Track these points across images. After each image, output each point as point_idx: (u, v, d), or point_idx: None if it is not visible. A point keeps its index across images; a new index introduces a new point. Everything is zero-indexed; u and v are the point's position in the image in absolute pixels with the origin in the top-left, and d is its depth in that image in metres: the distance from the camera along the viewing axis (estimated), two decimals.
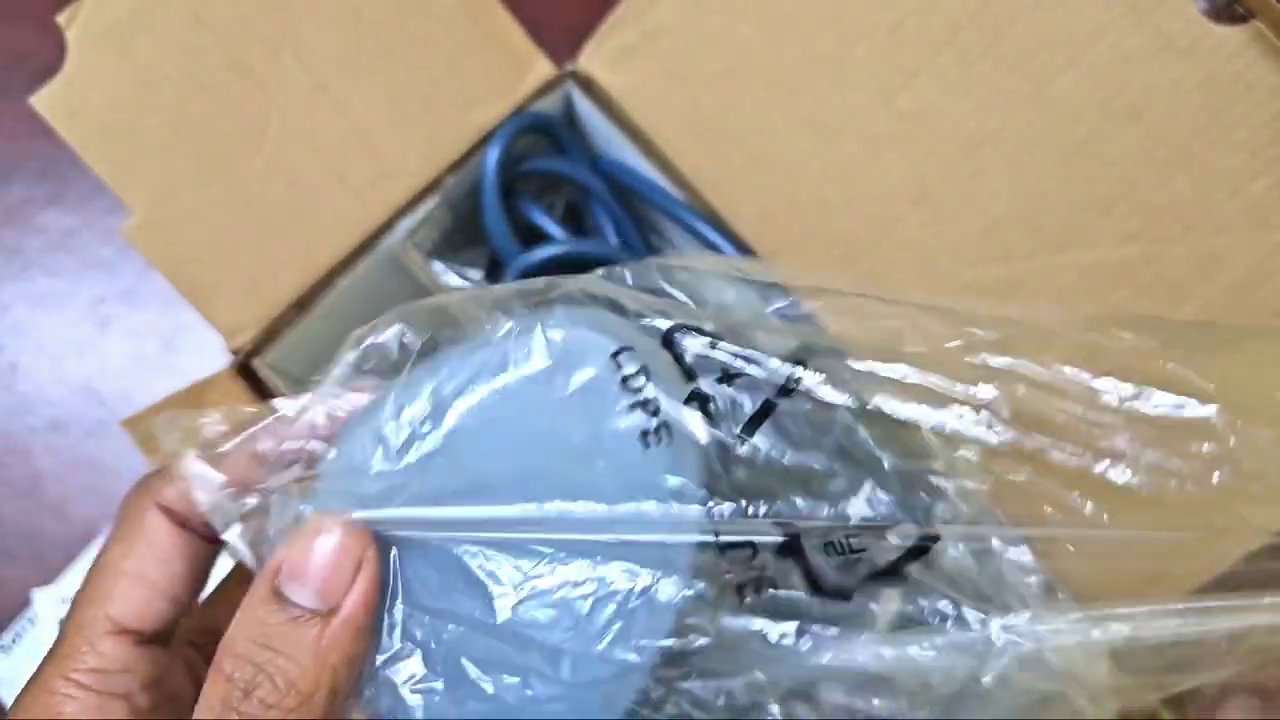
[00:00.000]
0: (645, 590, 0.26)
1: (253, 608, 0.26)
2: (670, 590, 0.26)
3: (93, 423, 0.63)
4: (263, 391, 0.48)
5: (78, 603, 0.29)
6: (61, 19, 0.44)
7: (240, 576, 0.34)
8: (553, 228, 0.51)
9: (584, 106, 0.51)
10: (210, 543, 0.30)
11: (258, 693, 0.25)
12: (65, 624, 0.30)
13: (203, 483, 0.29)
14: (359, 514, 0.27)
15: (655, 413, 0.27)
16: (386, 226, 0.48)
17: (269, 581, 0.26)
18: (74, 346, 0.64)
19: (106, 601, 0.29)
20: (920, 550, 0.29)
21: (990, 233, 0.44)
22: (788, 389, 0.28)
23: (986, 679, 0.27)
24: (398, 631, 0.27)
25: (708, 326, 0.29)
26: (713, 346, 0.29)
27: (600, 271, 0.32)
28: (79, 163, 0.44)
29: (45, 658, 0.29)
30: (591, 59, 0.49)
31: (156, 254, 0.46)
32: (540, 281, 0.31)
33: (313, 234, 0.47)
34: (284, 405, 0.30)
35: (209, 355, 0.63)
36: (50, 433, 0.63)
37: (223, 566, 0.32)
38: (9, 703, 0.59)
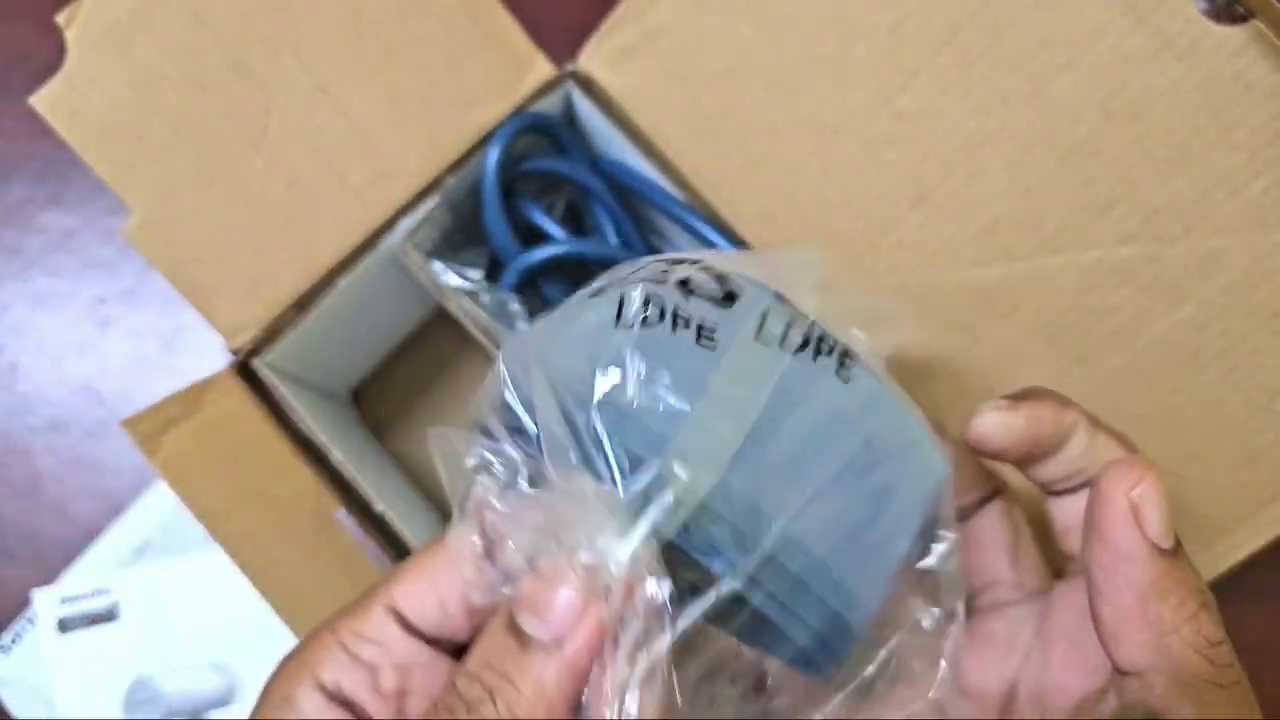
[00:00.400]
0: None
1: (492, 634, 0.27)
2: None
3: (93, 423, 0.63)
4: (262, 392, 0.48)
5: (385, 577, 0.31)
6: (61, 19, 0.44)
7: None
8: (553, 228, 0.51)
9: (584, 106, 0.51)
10: None
11: (481, 710, 0.26)
12: (363, 593, 0.31)
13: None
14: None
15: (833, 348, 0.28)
16: (387, 226, 0.48)
17: (507, 610, 0.27)
18: (74, 346, 0.64)
19: (398, 582, 0.31)
20: None
21: (990, 233, 0.44)
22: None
23: None
24: None
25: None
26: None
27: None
28: (79, 163, 0.44)
29: None
30: (591, 59, 0.49)
31: (157, 254, 0.46)
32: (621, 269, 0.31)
33: (313, 234, 0.47)
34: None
35: (209, 355, 0.63)
36: (50, 433, 0.63)
37: None
38: (9, 704, 0.59)
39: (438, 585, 0.30)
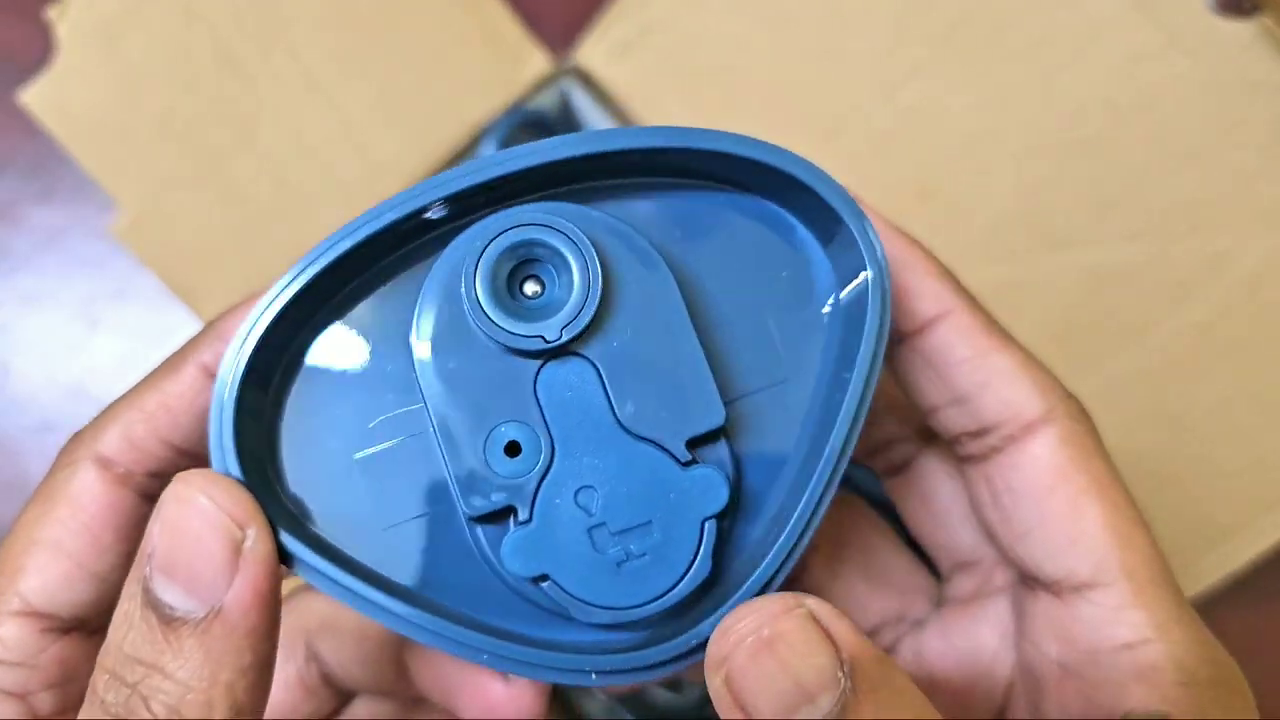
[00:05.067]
0: None
1: (126, 613, 0.21)
2: None
3: (83, 423, 0.62)
4: None
5: None
6: (52, 14, 0.43)
7: None
8: None
9: (581, 101, 0.50)
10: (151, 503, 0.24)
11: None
12: None
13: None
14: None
15: None
16: None
17: (139, 573, 0.21)
18: (64, 346, 0.63)
19: (17, 575, 0.23)
20: None
21: (995, 231, 0.44)
22: None
23: None
24: None
25: None
26: None
27: None
28: (68, 160, 0.44)
29: None
30: (589, 53, 0.49)
31: (147, 253, 0.45)
32: None
33: (304, 231, 0.47)
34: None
35: None
36: (41, 433, 0.62)
37: None
38: None
39: (79, 560, 0.24)
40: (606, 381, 0.22)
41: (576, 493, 0.22)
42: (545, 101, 0.50)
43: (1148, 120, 0.41)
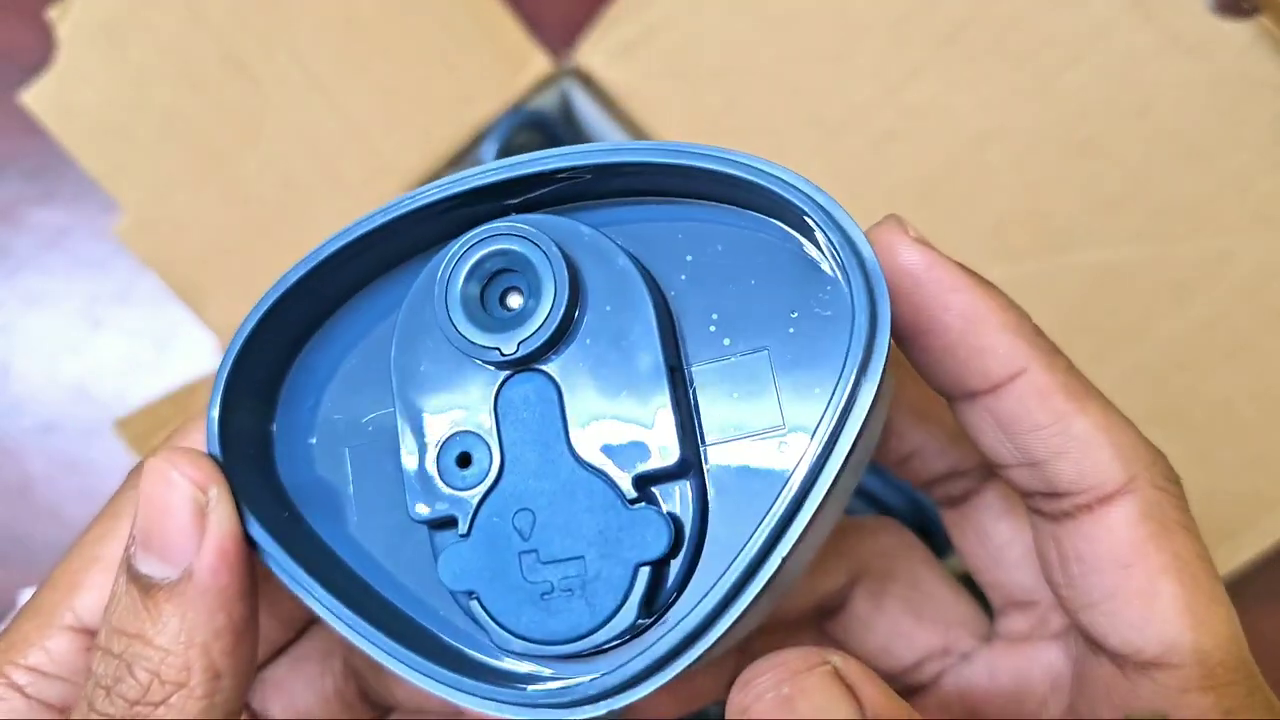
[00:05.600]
0: None
1: (115, 590, 0.22)
2: None
3: (85, 424, 0.62)
4: None
5: (44, 585, 0.24)
6: (54, 14, 0.43)
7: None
8: None
9: (582, 102, 0.50)
10: None
11: (119, 688, 0.21)
12: (25, 606, 0.24)
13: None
14: None
15: None
16: None
17: (126, 557, 0.22)
18: (66, 347, 0.63)
19: (73, 590, 0.24)
20: None
21: (996, 231, 0.44)
22: None
23: None
24: None
25: None
26: None
27: None
28: (70, 161, 0.44)
29: None
30: (590, 54, 0.49)
31: (149, 253, 0.45)
32: None
33: (307, 232, 0.46)
34: None
35: (202, 355, 0.63)
36: (42, 434, 0.62)
37: None
38: None
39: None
40: (565, 403, 0.21)
41: (515, 514, 0.21)
42: (546, 102, 0.50)
43: (1148, 120, 0.41)
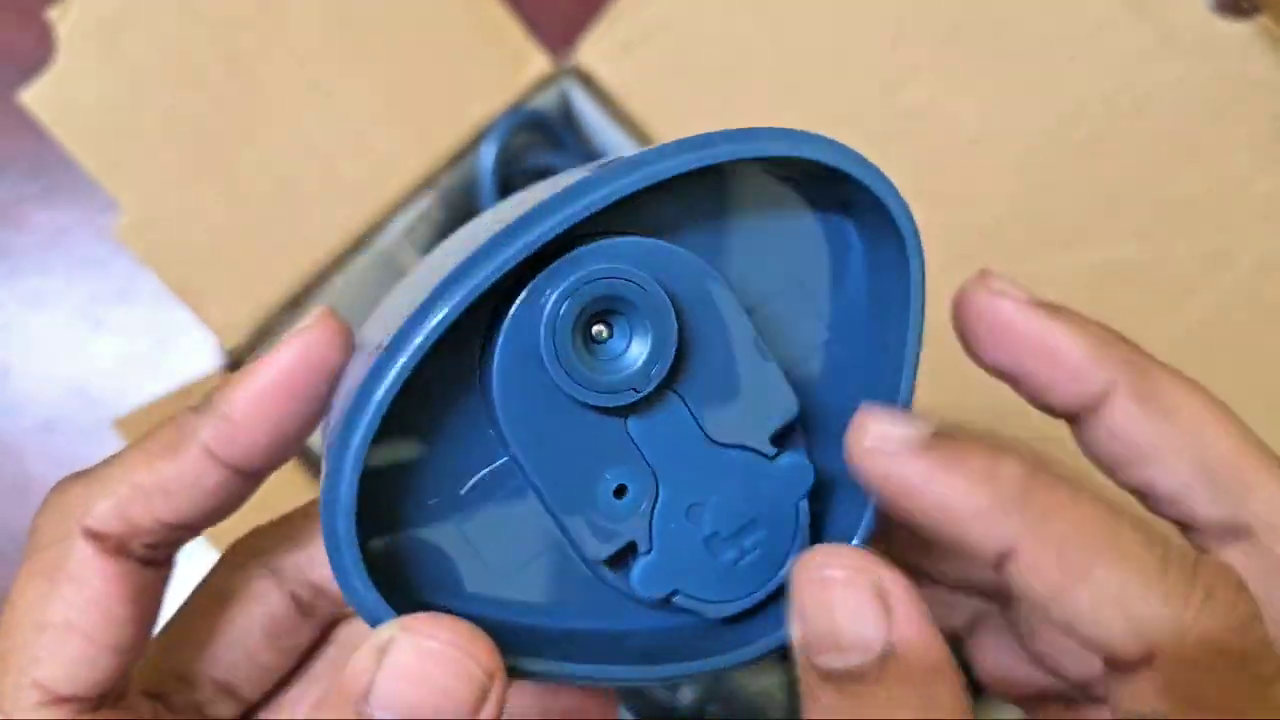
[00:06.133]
0: None
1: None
2: None
3: (85, 423, 0.62)
4: None
5: None
6: (53, 14, 0.43)
7: (209, 594, 0.27)
8: None
9: (582, 102, 0.50)
10: (159, 566, 0.24)
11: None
12: None
13: None
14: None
15: None
16: (381, 224, 0.48)
17: (349, 704, 0.20)
18: (66, 346, 0.63)
19: (31, 666, 0.22)
20: None
21: (994, 231, 0.44)
22: None
23: None
24: None
25: None
26: None
27: None
28: (69, 160, 0.44)
29: None
30: (590, 53, 0.49)
31: (149, 253, 0.45)
32: None
33: (306, 232, 0.47)
34: None
35: (202, 355, 0.63)
36: (42, 434, 0.62)
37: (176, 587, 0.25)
38: None
39: (94, 638, 0.23)
40: (690, 405, 0.23)
41: (686, 511, 0.23)
42: (546, 102, 0.50)
43: (1147, 120, 0.41)
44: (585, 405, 0.21)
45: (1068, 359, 0.23)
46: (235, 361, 0.47)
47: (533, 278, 0.21)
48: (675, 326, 0.21)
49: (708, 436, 0.23)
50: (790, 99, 0.46)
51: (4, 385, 0.63)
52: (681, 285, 0.22)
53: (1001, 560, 0.21)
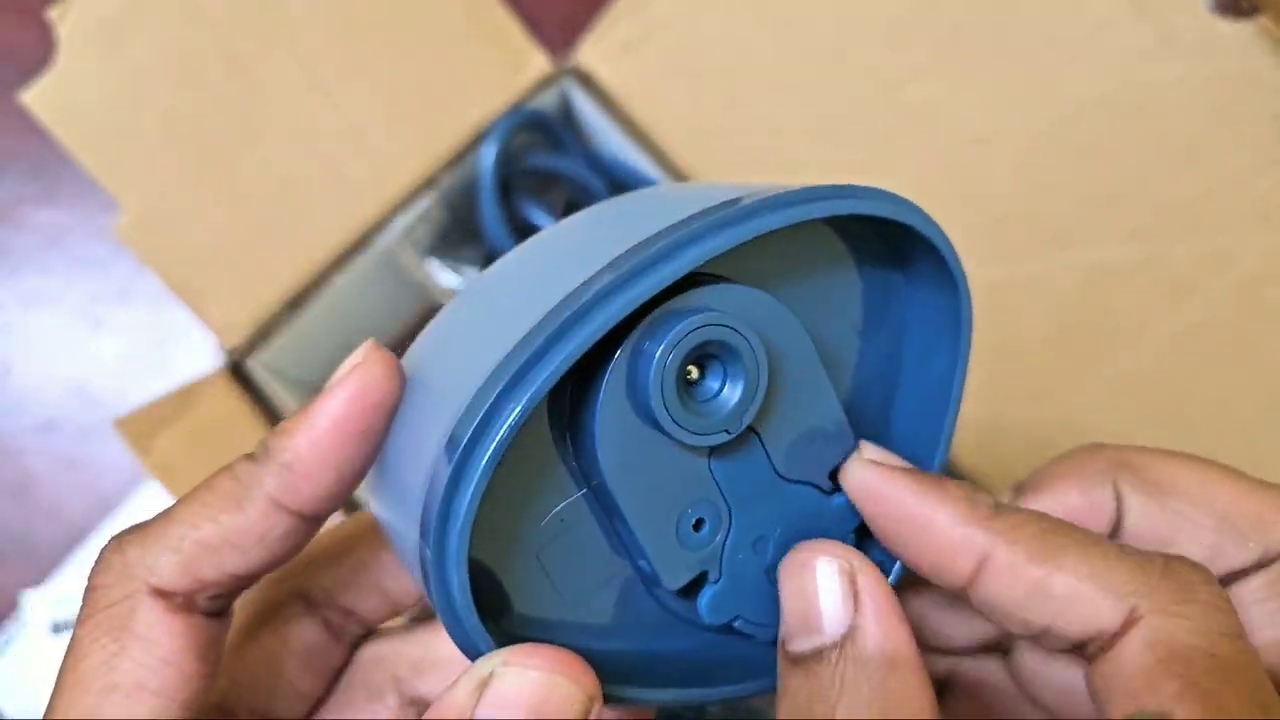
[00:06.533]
0: None
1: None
2: None
3: (85, 423, 0.62)
4: (254, 393, 0.48)
5: None
6: (53, 14, 0.43)
7: (242, 625, 0.27)
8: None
9: (582, 102, 0.50)
10: (222, 617, 0.24)
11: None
12: None
13: None
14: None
15: None
16: (381, 224, 0.48)
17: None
18: (66, 346, 0.63)
19: None
20: None
21: (994, 230, 0.44)
22: None
23: None
24: None
25: None
26: None
27: None
28: (70, 161, 0.44)
29: None
30: (590, 54, 0.49)
31: (149, 252, 0.45)
32: None
33: (307, 232, 0.47)
34: None
35: (202, 355, 0.63)
36: (42, 433, 0.62)
37: None
38: (4, 706, 0.58)
39: (164, 694, 0.23)
40: (765, 443, 0.24)
41: (754, 543, 0.24)
42: (546, 102, 0.50)
43: (1147, 120, 0.41)
44: (677, 443, 0.22)
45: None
46: (235, 362, 0.47)
47: (632, 320, 0.21)
48: (767, 373, 0.23)
49: (778, 473, 0.24)
50: (791, 99, 0.46)
51: (4, 385, 0.63)
52: (770, 331, 0.23)
53: (975, 571, 0.22)
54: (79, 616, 0.23)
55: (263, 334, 0.47)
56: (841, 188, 0.23)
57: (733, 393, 0.22)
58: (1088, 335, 0.44)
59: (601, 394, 0.22)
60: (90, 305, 0.63)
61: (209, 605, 0.23)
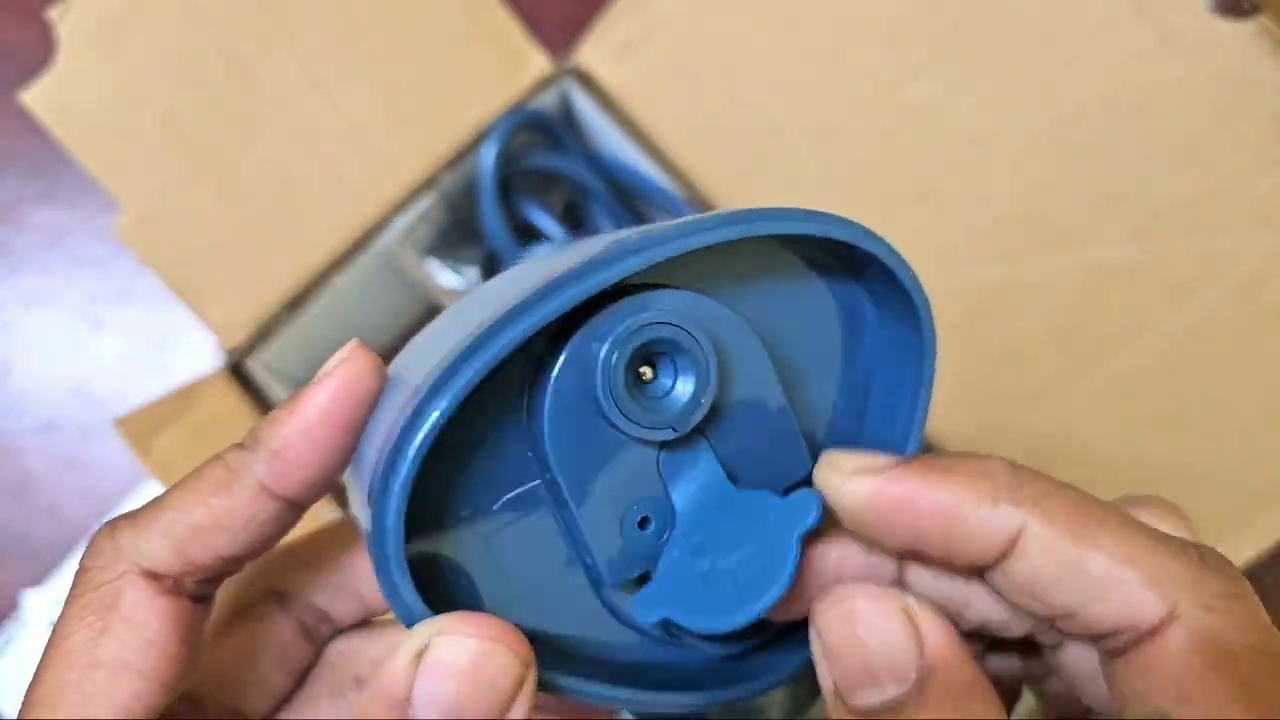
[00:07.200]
0: None
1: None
2: None
3: (85, 423, 0.62)
4: (254, 393, 0.48)
5: (33, 706, 0.23)
6: (54, 14, 0.43)
7: (217, 622, 0.27)
8: (550, 226, 0.50)
9: (582, 102, 0.50)
10: (205, 602, 0.25)
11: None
12: None
13: None
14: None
15: None
16: (381, 224, 0.48)
17: (389, 709, 0.20)
18: (66, 346, 0.63)
19: (86, 704, 0.22)
20: None
21: (993, 231, 0.44)
22: None
23: None
24: None
25: None
26: None
27: None
28: (70, 160, 0.44)
29: None
30: (590, 54, 0.49)
31: (149, 252, 0.45)
32: None
33: (307, 232, 0.47)
34: None
35: (202, 355, 0.63)
36: (42, 433, 0.62)
37: None
38: (4, 706, 0.58)
39: (147, 673, 0.23)
40: (715, 447, 0.24)
41: (693, 545, 0.24)
42: (546, 102, 0.50)
43: (1147, 120, 0.41)
44: (626, 438, 0.23)
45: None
46: (235, 362, 0.47)
47: (583, 320, 0.22)
48: (716, 372, 0.23)
49: (727, 479, 0.24)
50: (791, 99, 0.46)
51: (4, 385, 0.63)
52: (723, 337, 0.24)
53: (1005, 550, 0.21)
54: (68, 597, 0.23)
55: (263, 334, 0.47)
56: (775, 211, 0.24)
57: (685, 389, 0.23)
58: (1088, 336, 0.44)
59: (552, 382, 0.23)
60: (90, 305, 0.63)
61: (195, 589, 0.24)
